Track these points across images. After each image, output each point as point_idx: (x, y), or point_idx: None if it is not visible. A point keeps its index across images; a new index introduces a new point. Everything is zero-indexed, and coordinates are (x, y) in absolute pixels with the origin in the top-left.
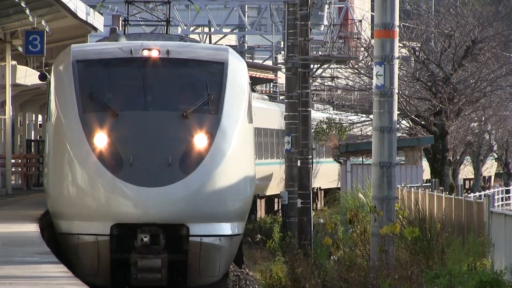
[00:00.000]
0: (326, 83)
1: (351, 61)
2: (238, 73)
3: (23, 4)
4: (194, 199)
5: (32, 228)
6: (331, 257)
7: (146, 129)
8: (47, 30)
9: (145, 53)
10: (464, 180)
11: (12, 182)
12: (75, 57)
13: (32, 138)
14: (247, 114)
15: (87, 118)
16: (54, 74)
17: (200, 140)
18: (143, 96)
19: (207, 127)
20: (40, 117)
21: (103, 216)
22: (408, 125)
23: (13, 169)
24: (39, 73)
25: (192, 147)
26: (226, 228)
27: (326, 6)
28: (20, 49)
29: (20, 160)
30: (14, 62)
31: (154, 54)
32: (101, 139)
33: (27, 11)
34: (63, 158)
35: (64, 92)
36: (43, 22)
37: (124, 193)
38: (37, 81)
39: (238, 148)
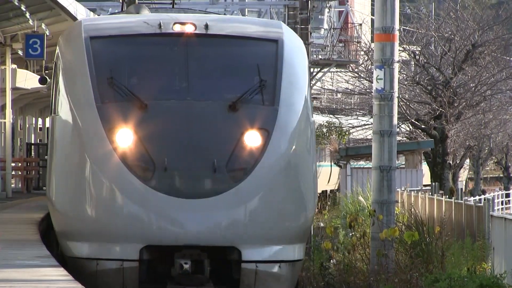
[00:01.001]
0: (325, 87)
1: (351, 65)
2: (296, 53)
3: (23, 8)
4: (247, 214)
5: (32, 231)
6: (331, 260)
7: (183, 123)
8: (47, 33)
9: (177, 28)
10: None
11: (12, 185)
12: (88, 33)
13: (32, 142)
14: (309, 106)
15: (107, 109)
16: (61, 55)
17: (252, 138)
18: (178, 82)
19: (261, 121)
20: (40, 121)
21: (130, 236)
22: (408, 129)
23: (13, 173)
24: (39, 76)
25: (242, 147)
26: (287, 252)
27: (326, 10)
28: (20, 52)
29: (20, 164)
30: (14, 66)
31: (189, 29)
32: (125, 137)
33: (27, 15)
34: (75, 162)
35: (75, 77)
36: (43, 26)
37: (157, 207)
38: (37, 84)
39: (300, 149)
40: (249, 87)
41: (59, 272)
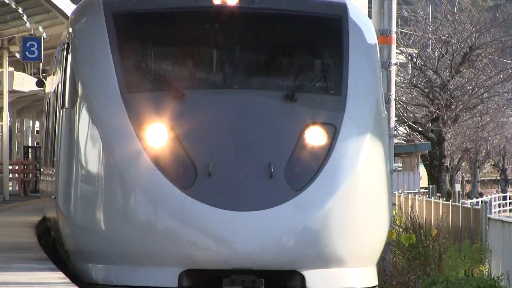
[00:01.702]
0: None
1: None
2: (364, 31)
3: (20, 11)
4: (312, 230)
5: (29, 234)
6: None
7: (229, 118)
8: (45, 36)
9: (217, 0)
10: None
11: (9, 188)
12: (109, 8)
13: (30, 145)
14: (382, 95)
15: (135, 101)
16: (74, 36)
17: (316, 136)
18: (221, 66)
19: (326, 114)
20: (37, 123)
21: (166, 258)
22: (405, 131)
23: (10, 175)
24: (36, 79)
25: (304, 146)
26: (359, 277)
27: None
28: (17, 55)
29: (17, 167)
30: (11, 69)
31: (232, 1)
32: (159, 134)
33: (24, 18)
34: (96, 166)
35: (94, 62)
36: (40, 29)
37: (199, 221)
38: (34, 87)
39: (374, 149)
40: (309, 72)
41: (57, 275)
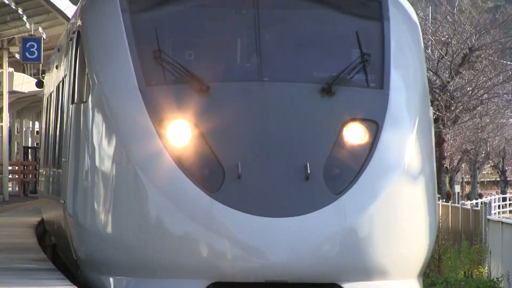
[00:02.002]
0: None
1: None
2: (406, 18)
3: (20, 11)
4: (353, 238)
5: (29, 235)
6: None
7: (261, 113)
8: (44, 37)
9: None
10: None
11: (9, 189)
12: None
13: (29, 145)
14: (427, 88)
15: (155, 94)
16: (84, 24)
17: (356, 133)
18: (249, 56)
19: (367, 110)
20: (37, 124)
21: (192, 269)
22: None
23: (10, 176)
24: (36, 80)
25: (343, 145)
26: None
27: None
28: (17, 56)
29: (17, 167)
30: (11, 69)
31: None
32: (182, 132)
33: (24, 18)
34: (112, 167)
35: (108, 52)
36: (40, 29)
37: (228, 228)
38: (34, 88)
39: (420, 148)
40: (347, 63)
41: (56, 276)
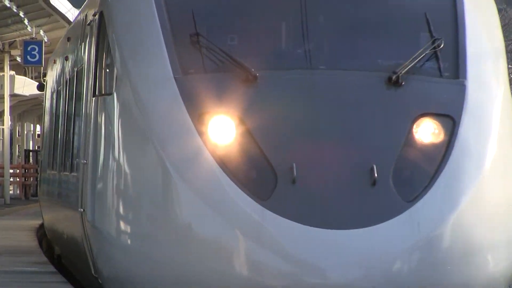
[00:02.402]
0: None
1: None
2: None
3: (21, 15)
4: (432, 252)
5: (30, 238)
6: None
7: (318, 108)
8: (46, 40)
9: None
10: None
11: (11, 192)
12: None
13: (31, 148)
14: (507, 79)
15: (193, 85)
16: (110, 2)
17: (429, 130)
18: (304, 41)
19: (441, 103)
20: (38, 127)
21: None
22: None
23: (11, 179)
24: (37, 83)
25: (414, 144)
26: None
27: None
28: (18, 59)
29: (18, 170)
30: (12, 72)
31: None
32: (225, 128)
33: (26, 21)
34: (142, 171)
35: (137, 36)
36: (41, 32)
37: (283, 242)
38: (35, 91)
39: (503, 147)
40: (415, 48)
41: (58, 279)
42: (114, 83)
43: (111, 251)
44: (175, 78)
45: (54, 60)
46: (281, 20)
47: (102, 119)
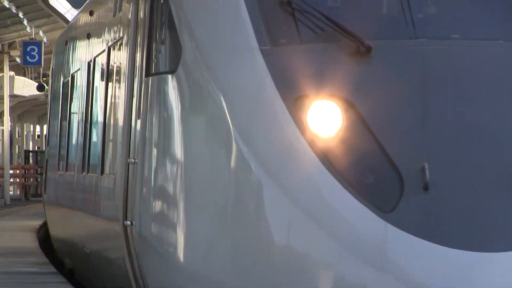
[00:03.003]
0: None
1: None
2: None
3: (21, 15)
4: None
5: (31, 239)
6: None
7: (453, 89)
8: (45, 41)
9: None
10: None
11: (11, 193)
12: None
13: (30, 149)
14: None
15: (286, 59)
16: None
17: None
18: (431, 3)
19: None
20: (38, 128)
21: None
22: None
23: (11, 180)
24: (37, 83)
25: None
26: None
27: None
28: (18, 60)
29: (18, 171)
30: (12, 73)
31: None
32: (331, 116)
33: (25, 22)
34: (218, 170)
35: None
36: (40, 33)
37: (415, 268)
38: (35, 92)
39: None
40: None
41: (58, 279)
42: (179, 58)
43: (177, 276)
44: (261, 51)
45: (66, 42)
46: None
47: (160, 105)
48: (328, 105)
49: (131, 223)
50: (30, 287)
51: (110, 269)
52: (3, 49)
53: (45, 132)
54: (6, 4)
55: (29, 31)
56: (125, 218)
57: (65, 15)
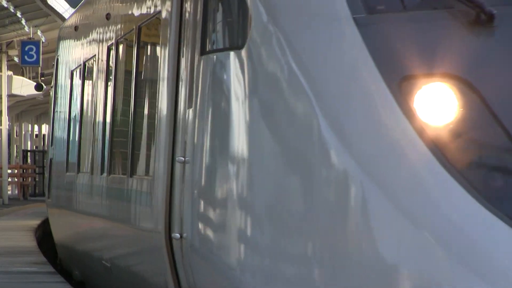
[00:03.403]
0: None
1: None
2: None
3: (19, 15)
4: None
5: (29, 238)
6: None
7: None
8: (43, 40)
9: None
10: None
11: (9, 192)
12: None
13: (29, 148)
14: None
15: (385, 29)
16: None
17: None
18: None
19: None
20: (36, 127)
21: None
22: None
23: (9, 180)
24: (35, 83)
25: None
26: None
27: None
28: (16, 59)
29: (16, 171)
30: (10, 73)
31: None
32: (445, 101)
33: (23, 22)
34: (301, 168)
35: None
36: (39, 33)
37: None
38: (33, 91)
39: None
40: None
41: (57, 279)
42: (246, 30)
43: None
44: (354, 19)
45: (76, 27)
46: None
47: (221, 90)
48: (440, 87)
49: (181, 236)
50: (28, 286)
51: (141, 286)
52: (1, 49)
53: (43, 131)
54: (4, 3)
55: (27, 30)
56: (170, 229)
57: (63, 15)
